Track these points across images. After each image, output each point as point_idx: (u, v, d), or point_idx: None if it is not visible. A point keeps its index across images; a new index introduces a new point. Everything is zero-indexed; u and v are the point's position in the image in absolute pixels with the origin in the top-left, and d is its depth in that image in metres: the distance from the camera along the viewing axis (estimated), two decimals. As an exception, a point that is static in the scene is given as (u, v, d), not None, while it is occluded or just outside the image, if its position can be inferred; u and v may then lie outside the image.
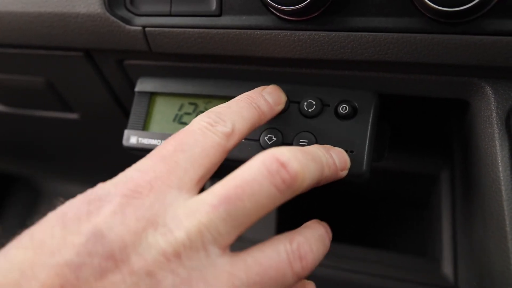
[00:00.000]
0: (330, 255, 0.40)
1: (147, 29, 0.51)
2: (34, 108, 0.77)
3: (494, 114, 0.44)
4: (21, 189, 1.56)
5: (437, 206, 0.70)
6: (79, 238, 0.30)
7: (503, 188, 0.43)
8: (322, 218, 0.42)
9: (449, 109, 0.64)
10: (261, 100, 0.45)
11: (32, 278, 0.29)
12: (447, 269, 0.65)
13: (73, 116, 0.75)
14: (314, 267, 0.35)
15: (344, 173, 0.43)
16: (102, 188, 0.34)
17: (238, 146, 0.50)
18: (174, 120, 0.54)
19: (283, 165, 0.34)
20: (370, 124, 0.47)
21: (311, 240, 0.36)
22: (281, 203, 0.34)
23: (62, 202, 0.34)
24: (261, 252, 0.34)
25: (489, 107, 0.45)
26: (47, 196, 1.54)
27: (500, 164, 0.43)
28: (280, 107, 0.47)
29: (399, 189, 0.80)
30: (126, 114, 0.69)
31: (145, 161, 0.36)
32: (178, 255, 0.31)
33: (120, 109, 0.68)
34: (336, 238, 0.41)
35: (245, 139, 0.50)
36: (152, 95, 0.56)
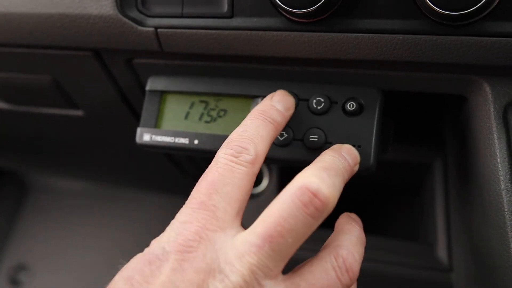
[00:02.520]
0: (321, 241, 0.43)
1: (159, 30, 0.52)
2: (38, 105, 0.78)
3: (492, 109, 0.47)
4: (7, 184, 1.56)
5: (430, 193, 0.74)
6: None
7: (501, 178, 0.46)
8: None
9: (443, 103, 0.67)
10: (274, 112, 0.47)
11: None
12: (442, 253, 0.69)
13: (78, 113, 0.76)
14: (359, 271, 0.39)
15: (356, 168, 0.46)
16: (157, 246, 0.37)
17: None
18: (185, 117, 0.56)
19: (315, 194, 0.36)
20: (376, 119, 0.50)
21: (352, 249, 0.39)
22: (317, 226, 0.37)
23: (122, 264, 0.37)
24: (311, 273, 0.37)
25: (487, 102, 0.48)
26: (34, 191, 1.54)
27: (498, 155, 0.46)
28: (291, 111, 0.50)
29: (392, 177, 0.83)
30: (133, 112, 0.70)
31: (185, 210, 0.39)
32: None
33: (126, 107, 0.69)
34: (332, 225, 0.44)
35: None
36: (163, 94, 0.58)
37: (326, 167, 0.40)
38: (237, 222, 0.38)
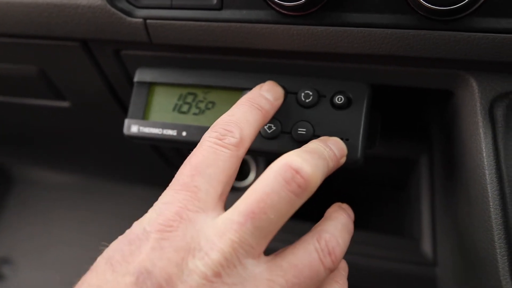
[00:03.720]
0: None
1: (148, 21, 0.52)
2: (23, 96, 0.77)
3: (478, 104, 0.48)
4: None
5: (416, 188, 0.74)
6: (129, 278, 0.33)
7: (486, 172, 0.46)
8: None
9: (430, 98, 0.68)
10: (262, 99, 0.47)
11: None
12: (427, 247, 0.70)
13: (64, 104, 0.75)
14: (342, 256, 0.39)
15: (343, 160, 0.46)
16: (137, 226, 0.37)
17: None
18: (173, 109, 0.56)
19: (297, 171, 0.36)
20: (363, 113, 0.50)
21: (336, 233, 0.39)
22: (300, 205, 0.37)
23: (106, 246, 0.37)
24: (293, 255, 0.37)
25: (473, 97, 0.48)
26: (19, 183, 1.53)
27: (484, 150, 0.47)
28: (279, 101, 0.50)
29: (379, 172, 0.83)
30: (120, 103, 0.70)
31: (168, 192, 0.39)
32: (218, 274, 0.33)
33: (114, 98, 0.69)
34: (317, 219, 0.44)
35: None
36: (151, 85, 0.57)
37: (309, 150, 0.40)
38: (220, 205, 0.38)
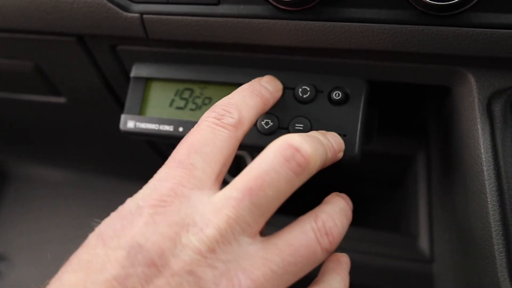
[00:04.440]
0: None
1: (144, 16, 0.52)
2: (18, 92, 0.77)
3: (476, 100, 0.47)
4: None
5: (413, 185, 0.74)
6: (120, 253, 0.32)
7: (484, 168, 0.46)
8: (300, 198, 0.44)
9: (427, 94, 0.67)
10: (262, 88, 0.47)
11: None
12: (424, 244, 0.70)
13: (60, 100, 0.75)
14: (340, 239, 0.38)
15: (340, 154, 0.46)
16: (131, 202, 0.36)
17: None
18: (170, 105, 0.56)
19: (297, 149, 0.36)
20: (361, 109, 0.50)
21: (333, 215, 0.38)
22: (299, 186, 0.37)
23: (98, 223, 0.36)
24: (290, 234, 0.36)
25: (471, 93, 0.48)
26: (14, 180, 1.52)
27: (482, 146, 0.47)
28: (279, 93, 0.49)
29: (376, 168, 0.83)
30: (116, 99, 0.70)
31: (163, 169, 0.38)
32: (213, 250, 0.33)
33: (110, 94, 0.69)
34: None
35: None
36: (147, 81, 0.57)
37: (309, 135, 0.40)
38: (216, 185, 0.38)
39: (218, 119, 0.40)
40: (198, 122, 0.41)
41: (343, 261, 0.42)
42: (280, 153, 0.36)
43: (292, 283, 0.35)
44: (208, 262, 0.33)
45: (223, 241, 0.33)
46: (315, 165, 0.37)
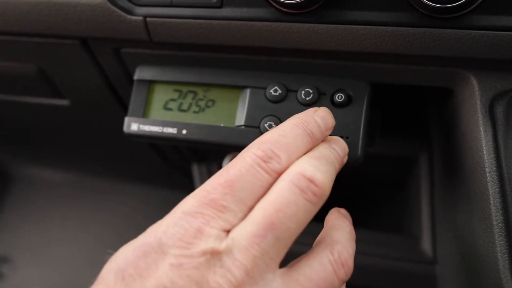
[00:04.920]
0: (311, 235, 0.43)
1: (148, 19, 0.52)
2: (22, 95, 0.77)
3: (478, 102, 0.48)
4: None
5: (416, 187, 0.74)
6: None
7: (487, 170, 0.46)
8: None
9: (430, 96, 0.68)
10: (315, 126, 0.43)
11: None
12: (426, 245, 0.70)
13: (63, 102, 0.75)
14: (353, 267, 0.38)
15: (346, 159, 0.46)
16: (153, 237, 0.35)
17: (238, 132, 0.52)
18: (173, 107, 0.56)
19: (310, 180, 0.36)
20: (364, 111, 0.50)
21: (345, 243, 0.39)
22: (316, 213, 0.37)
23: (111, 254, 0.35)
24: (309, 267, 0.36)
25: (473, 95, 0.48)
26: (17, 182, 1.53)
27: (484, 148, 0.47)
28: (329, 132, 0.46)
29: (379, 170, 0.83)
30: (120, 101, 0.70)
31: (191, 201, 0.36)
32: None
33: (113, 97, 0.69)
34: (317, 218, 0.44)
35: (245, 126, 0.52)
36: (151, 83, 0.57)
37: (317, 156, 0.40)
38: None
39: (265, 162, 0.38)
40: (242, 154, 0.39)
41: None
42: (294, 185, 0.36)
43: None
44: None
45: (249, 282, 0.33)
46: (328, 190, 0.37)
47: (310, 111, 0.45)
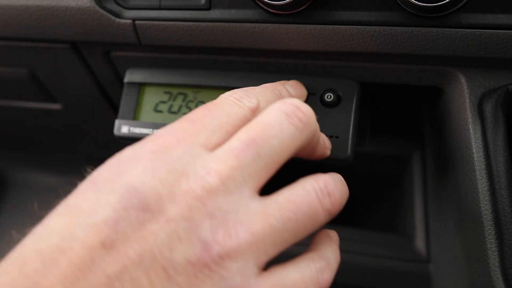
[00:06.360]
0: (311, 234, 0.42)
1: (136, 22, 0.52)
2: (14, 99, 0.77)
3: (467, 100, 0.48)
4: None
5: (409, 186, 0.74)
6: (113, 196, 0.30)
7: (476, 168, 0.47)
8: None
9: (420, 95, 0.68)
10: (284, 90, 0.46)
11: (72, 240, 0.29)
12: (420, 244, 0.70)
13: (55, 106, 0.75)
14: (341, 205, 0.36)
15: (328, 151, 0.45)
16: (130, 149, 0.34)
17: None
18: (164, 110, 0.56)
19: (297, 107, 0.36)
20: (353, 111, 0.50)
21: (335, 179, 0.37)
22: (301, 144, 0.36)
23: (91, 171, 0.34)
24: (291, 191, 0.34)
25: (462, 94, 0.48)
26: (13, 186, 1.52)
27: (473, 146, 0.47)
28: (302, 100, 0.47)
29: (372, 170, 0.83)
30: (111, 104, 0.70)
31: (173, 124, 0.36)
32: (213, 198, 0.31)
33: (104, 99, 0.69)
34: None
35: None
36: (141, 86, 0.57)
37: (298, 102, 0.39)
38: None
39: (238, 100, 0.39)
40: (218, 98, 0.39)
41: (333, 236, 0.41)
42: (281, 109, 0.35)
43: (291, 243, 0.34)
44: (207, 210, 0.31)
45: (224, 190, 0.32)
46: (315, 124, 0.37)
47: (281, 82, 0.47)
